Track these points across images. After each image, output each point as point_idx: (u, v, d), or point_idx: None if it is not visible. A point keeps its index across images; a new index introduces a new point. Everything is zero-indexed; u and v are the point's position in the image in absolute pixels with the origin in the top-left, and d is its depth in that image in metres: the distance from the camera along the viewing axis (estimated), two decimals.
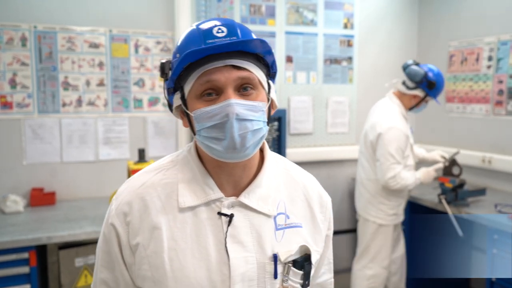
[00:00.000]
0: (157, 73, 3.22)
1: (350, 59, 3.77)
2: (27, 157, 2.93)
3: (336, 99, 3.75)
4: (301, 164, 1.14)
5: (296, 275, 0.94)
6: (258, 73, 0.90)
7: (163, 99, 3.25)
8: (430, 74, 2.75)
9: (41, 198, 2.86)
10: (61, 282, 2.38)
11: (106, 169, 3.11)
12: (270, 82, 0.96)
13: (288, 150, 3.50)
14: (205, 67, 0.86)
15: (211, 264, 0.89)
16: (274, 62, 0.95)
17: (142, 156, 2.56)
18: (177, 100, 0.93)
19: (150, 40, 3.18)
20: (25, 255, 2.27)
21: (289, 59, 3.57)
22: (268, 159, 1.00)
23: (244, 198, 0.93)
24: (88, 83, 3.06)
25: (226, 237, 0.90)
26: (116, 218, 0.93)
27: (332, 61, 3.70)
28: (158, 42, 3.20)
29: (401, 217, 2.90)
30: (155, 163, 1.01)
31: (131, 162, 2.57)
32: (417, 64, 2.81)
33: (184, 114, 0.93)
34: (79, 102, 3.05)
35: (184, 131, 3.24)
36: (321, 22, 3.64)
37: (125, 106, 3.16)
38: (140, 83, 3.19)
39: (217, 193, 0.92)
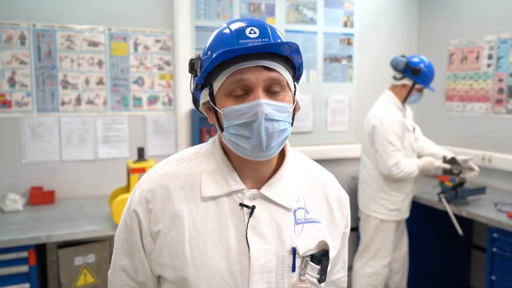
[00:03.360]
0: (156, 71, 3.21)
1: (350, 57, 3.76)
2: (26, 156, 2.92)
3: (335, 98, 3.74)
4: None
5: (313, 270, 0.96)
6: (286, 75, 0.92)
7: (162, 97, 3.25)
8: (413, 62, 2.78)
9: (40, 197, 2.85)
10: (61, 281, 2.38)
11: (106, 168, 3.11)
12: (295, 83, 0.98)
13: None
14: (237, 66, 0.88)
15: (231, 254, 0.91)
16: (301, 64, 0.96)
17: (141, 155, 2.55)
18: (205, 96, 0.95)
19: (150, 39, 3.18)
20: (25, 254, 2.27)
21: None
22: (289, 155, 1.02)
23: (265, 190, 0.95)
24: (87, 81, 3.05)
25: (247, 228, 0.92)
26: (139, 205, 0.94)
27: (332, 59, 3.70)
28: (158, 41, 3.20)
29: (405, 214, 2.90)
30: (177, 154, 1.03)
31: (131, 160, 2.57)
32: (403, 56, 2.84)
33: (211, 110, 0.95)
34: (78, 100, 3.04)
35: (184, 130, 3.24)
36: (321, 21, 3.63)
37: (125, 104, 3.16)
38: (139, 81, 3.18)
39: (239, 185, 0.94)
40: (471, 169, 2.83)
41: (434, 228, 3.32)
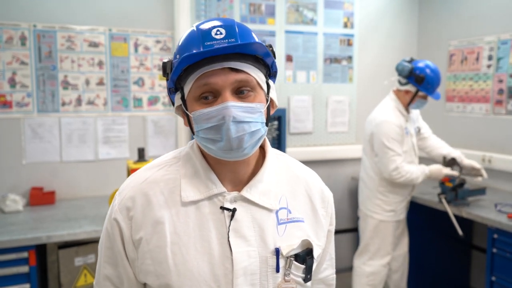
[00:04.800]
0: (156, 72, 3.21)
1: (350, 58, 3.76)
2: (26, 156, 2.92)
3: (336, 98, 3.74)
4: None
5: (298, 269, 0.96)
6: (257, 75, 0.90)
7: (163, 98, 3.25)
8: (418, 69, 2.73)
9: (40, 198, 2.85)
10: (61, 282, 2.38)
11: (106, 168, 3.11)
12: (270, 82, 0.96)
13: (288, 150, 3.50)
14: (202, 69, 0.86)
15: (213, 258, 0.90)
16: (273, 62, 0.95)
17: (141, 155, 2.55)
18: (177, 100, 0.95)
19: (150, 39, 3.18)
20: (25, 254, 2.27)
21: (289, 58, 3.56)
22: (269, 155, 1.00)
23: (246, 192, 0.94)
24: (87, 82, 3.05)
25: (229, 231, 0.91)
26: (119, 213, 0.93)
27: (332, 60, 3.70)
28: (158, 41, 3.20)
29: (401, 215, 2.91)
30: (157, 159, 1.02)
31: (131, 161, 2.57)
32: (411, 61, 2.80)
33: (185, 113, 0.95)
34: (79, 101, 3.04)
35: (184, 130, 3.24)
36: (321, 21, 3.64)
37: (125, 105, 3.16)
38: (139, 82, 3.18)
39: (219, 188, 0.93)
40: (477, 175, 2.84)
41: (434, 229, 3.32)
